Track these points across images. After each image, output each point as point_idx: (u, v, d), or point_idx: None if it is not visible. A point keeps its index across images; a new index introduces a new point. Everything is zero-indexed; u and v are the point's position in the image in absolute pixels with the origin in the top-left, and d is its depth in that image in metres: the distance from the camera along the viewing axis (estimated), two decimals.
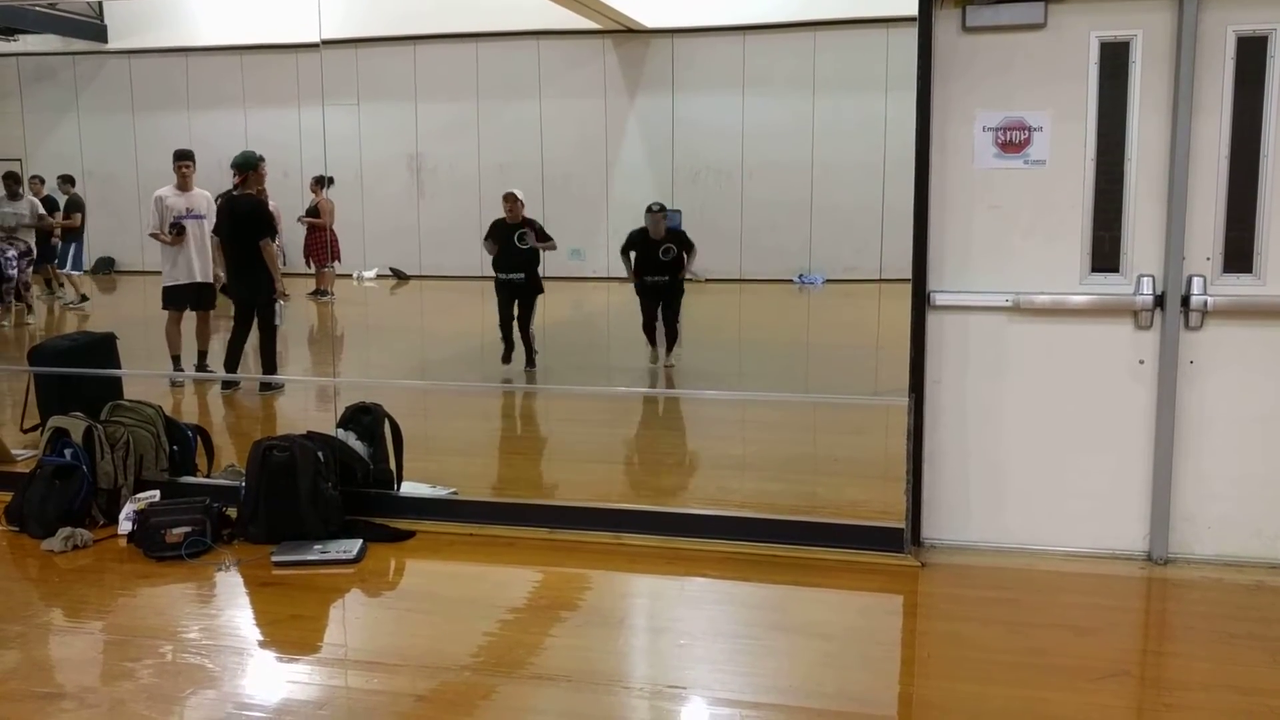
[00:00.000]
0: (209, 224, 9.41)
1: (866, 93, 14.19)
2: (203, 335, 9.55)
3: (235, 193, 9.27)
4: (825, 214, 15.78)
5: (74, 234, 13.79)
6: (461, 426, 8.17)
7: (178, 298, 9.44)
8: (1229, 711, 3.71)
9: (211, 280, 9.51)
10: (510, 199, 10.18)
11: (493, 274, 10.23)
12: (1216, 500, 4.97)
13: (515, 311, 10.06)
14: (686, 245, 10.18)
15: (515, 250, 10.09)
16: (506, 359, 9.97)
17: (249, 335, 9.15)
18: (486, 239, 10.30)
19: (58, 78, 17.75)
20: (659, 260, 10.07)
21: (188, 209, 9.38)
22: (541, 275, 10.32)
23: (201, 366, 9.42)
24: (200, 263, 9.43)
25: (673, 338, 10.08)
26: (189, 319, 9.50)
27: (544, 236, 10.20)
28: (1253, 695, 3.81)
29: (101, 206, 15.74)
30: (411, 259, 17.03)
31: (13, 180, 12.12)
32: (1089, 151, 4.91)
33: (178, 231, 9.31)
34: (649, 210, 10.18)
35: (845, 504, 5.91)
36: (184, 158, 9.47)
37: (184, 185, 9.44)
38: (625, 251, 10.32)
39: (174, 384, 9.07)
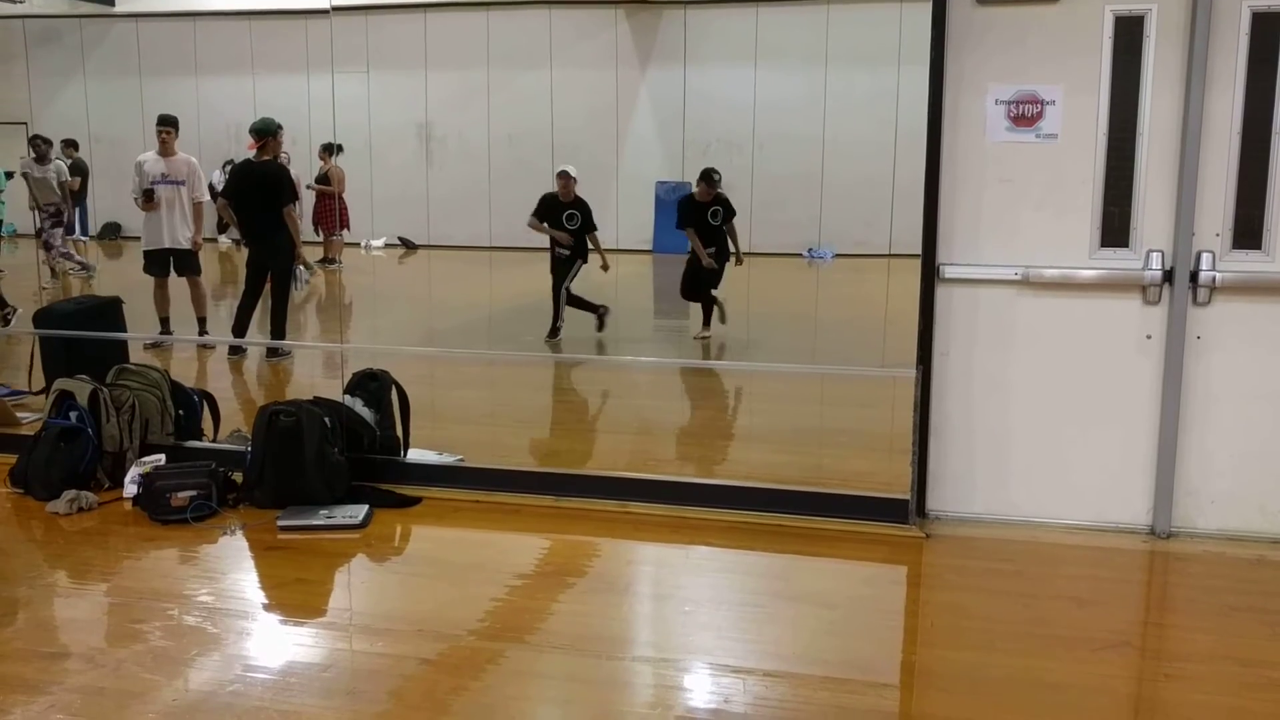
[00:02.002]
0: (188, 190, 9.41)
1: (879, 66, 14.10)
2: (196, 301, 9.53)
3: (254, 158, 9.26)
4: (836, 188, 15.73)
5: (76, 199, 13.76)
6: (468, 394, 8.17)
7: (152, 262, 9.45)
8: (1228, 682, 3.73)
9: (188, 246, 9.46)
10: (564, 177, 10.17)
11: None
12: (1220, 475, 4.98)
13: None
14: (730, 206, 10.33)
15: (563, 230, 10.19)
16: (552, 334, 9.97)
17: (259, 301, 9.15)
18: (534, 214, 10.31)
19: (64, 41, 17.68)
20: (709, 225, 10.24)
21: (164, 174, 9.38)
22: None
23: (204, 333, 9.41)
24: (176, 228, 9.41)
25: (709, 307, 10.16)
26: (179, 284, 9.51)
27: (589, 225, 10.21)
28: (1252, 667, 3.83)
29: (107, 172, 15.68)
30: (420, 228, 17.01)
31: (43, 143, 12.04)
32: (1101, 126, 4.89)
33: (147, 197, 9.33)
34: (707, 178, 10.31)
35: (851, 475, 5.91)
36: (164, 123, 9.47)
37: (164, 150, 9.43)
38: (684, 227, 10.45)
39: (150, 345, 8.82)
